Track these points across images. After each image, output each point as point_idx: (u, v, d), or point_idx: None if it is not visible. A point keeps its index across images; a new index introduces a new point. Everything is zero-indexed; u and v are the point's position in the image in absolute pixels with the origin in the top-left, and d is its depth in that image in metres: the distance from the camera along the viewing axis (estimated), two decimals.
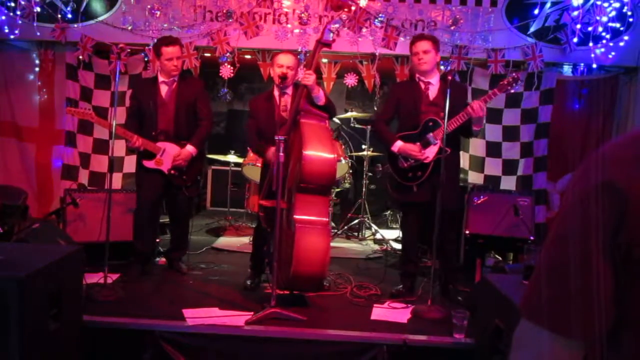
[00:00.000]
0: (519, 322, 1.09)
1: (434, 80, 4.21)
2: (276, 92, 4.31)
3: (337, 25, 3.93)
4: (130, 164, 5.94)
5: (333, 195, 6.56)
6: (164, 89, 4.58)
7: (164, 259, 5.01)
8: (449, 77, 4.01)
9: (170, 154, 4.52)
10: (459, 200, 4.63)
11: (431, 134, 4.10)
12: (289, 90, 4.27)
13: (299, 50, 5.69)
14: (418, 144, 4.14)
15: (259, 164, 5.07)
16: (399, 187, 4.31)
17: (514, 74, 4.08)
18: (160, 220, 5.13)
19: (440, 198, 3.88)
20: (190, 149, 4.55)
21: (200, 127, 4.63)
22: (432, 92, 4.20)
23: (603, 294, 0.97)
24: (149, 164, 4.53)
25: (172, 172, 4.53)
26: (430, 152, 4.11)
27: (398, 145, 4.18)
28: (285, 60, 4.22)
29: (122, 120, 5.47)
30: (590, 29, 5.55)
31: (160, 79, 4.59)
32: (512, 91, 4.65)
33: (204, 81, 4.94)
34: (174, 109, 4.56)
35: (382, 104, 4.92)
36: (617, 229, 0.96)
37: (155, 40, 4.93)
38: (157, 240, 5.08)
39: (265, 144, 4.24)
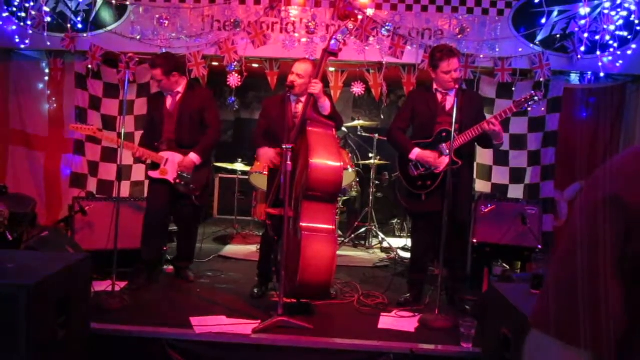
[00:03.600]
0: (529, 332, 1.11)
1: (451, 91, 4.19)
2: (290, 97, 4.30)
3: (342, 35, 3.94)
4: (138, 173, 5.98)
5: (340, 204, 6.57)
6: (169, 101, 4.65)
7: (171, 267, 5.03)
8: (457, 86, 4.02)
9: (174, 163, 4.55)
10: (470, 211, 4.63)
11: (444, 145, 4.10)
12: (304, 99, 4.25)
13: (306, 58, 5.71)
14: (435, 152, 4.15)
15: (266, 172, 5.08)
16: (409, 196, 4.31)
17: (532, 92, 4.08)
18: (169, 228, 5.14)
19: (447, 208, 3.88)
20: (193, 157, 4.56)
21: (205, 136, 4.64)
22: (449, 103, 4.18)
23: (613, 304, 0.99)
24: (153, 174, 4.57)
25: (178, 181, 4.56)
26: (442, 163, 4.11)
27: (416, 152, 4.17)
28: (296, 67, 4.22)
29: (131, 129, 5.53)
30: (597, 37, 5.55)
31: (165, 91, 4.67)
32: (530, 108, 4.63)
33: (211, 90, 4.97)
34: (176, 119, 4.60)
35: (397, 111, 4.91)
36: (624, 241, 0.99)
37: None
38: (165, 248, 5.09)
39: (267, 144, 4.26)
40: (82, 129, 4.69)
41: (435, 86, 4.24)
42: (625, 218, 0.98)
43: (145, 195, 4.96)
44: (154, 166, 4.59)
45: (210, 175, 4.84)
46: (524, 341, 1.13)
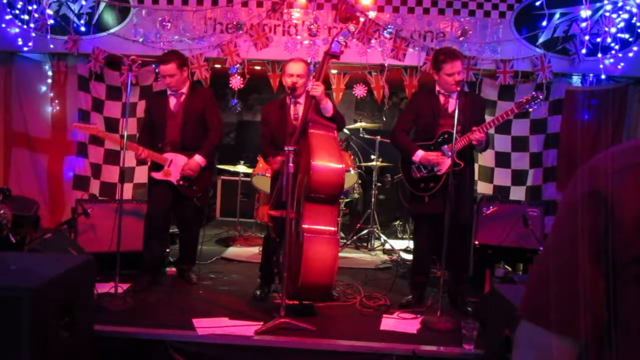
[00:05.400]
0: (519, 323, 1.16)
1: (454, 94, 4.18)
2: (288, 100, 4.29)
3: (343, 38, 3.95)
4: (140, 175, 5.99)
5: (342, 206, 6.57)
6: (172, 102, 4.62)
7: (173, 269, 5.03)
8: (458, 89, 4.03)
9: (178, 165, 4.54)
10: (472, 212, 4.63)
11: (446, 146, 4.11)
12: (302, 100, 4.28)
13: (309, 61, 5.73)
14: (438, 152, 4.15)
15: (269, 174, 5.09)
16: (411, 198, 4.32)
17: (534, 93, 4.09)
18: (171, 231, 5.15)
19: (449, 209, 3.89)
20: (198, 159, 4.55)
21: (209, 138, 4.63)
22: (451, 105, 4.17)
23: (594, 296, 1.04)
24: (157, 175, 4.55)
25: (181, 182, 4.55)
26: (445, 164, 4.11)
27: (419, 154, 4.18)
28: (294, 69, 4.21)
29: (133, 131, 5.53)
30: (599, 39, 5.57)
31: (169, 91, 4.63)
32: (531, 109, 4.63)
33: (213, 91, 4.97)
34: (181, 121, 4.58)
35: (401, 113, 4.93)
36: (605, 236, 1.02)
37: None
38: (167, 250, 5.10)
39: (274, 151, 4.28)
40: (85, 128, 4.67)
41: (437, 88, 4.25)
42: (605, 213, 1.02)
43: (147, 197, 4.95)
44: (157, 167, 4.57)
45: (212, 177, 4.84)
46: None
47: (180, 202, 4.66)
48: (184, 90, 4.62)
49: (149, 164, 4.70)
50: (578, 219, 1.05)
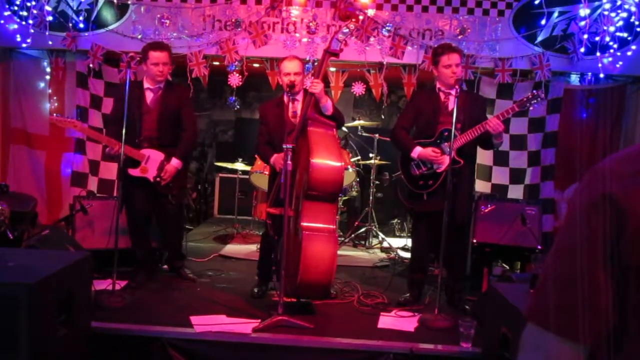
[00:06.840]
0: (525, 326, 1.14)
1: (454, 91, 4.18)
2: (286, 98, 4.25)
3: (343, 35, 3.95)
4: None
5: (340, 204, 6.57)
6: (149, 96, 4.51)
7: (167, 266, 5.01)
8: (457, 87, 4.02)
9: (155, 161, 4.44)
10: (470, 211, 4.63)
11: (446, 144, 4.10)
12: (299, 97, 4.28)
13: (307, 59, 5.72)
14: (438, 149, 4.15)
15: (267, 172, 5.09)
16: (410, 196, 4.32)
17: (535, 91, 4.09)
18: None
19: (448, 207, 3.88)
20: (175, 163, 4.46)
21: (183, 140, 4.54)
22: (452, 103, 4.15)
23: (604, 300, 1.02)
24: (134, 172, 4.43)
25: (158, 179, 4.43)
26: (444, 161, 4.11)
27: (417, 151, 4.17)
28: (291, 67, 4.20)
29: None
30: (597, 38, 5.56)
31: (146, 85, 4.52)
32: (531, 107, 4.63)
33: (191, 89, 4.90)
34: (157, 117, 4.48)
35: (402, 111, 4.93)
36: (616, 239, 1.01)
37: (145, 44, 4.76)
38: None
39: (273, 150, 4.26)
40: (62, 122, 4.56)
41: (438, 85, 4.25)
42: (617, 217, 1.01)
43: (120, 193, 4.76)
44: (134, 163, 4.43)
45: (187, 174, 4.83)
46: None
47: (157, 199, 4.58)
48: (161, 85, 4.53)
49: (122, 158, 4.42)
50: (587, 222, 1.04)
